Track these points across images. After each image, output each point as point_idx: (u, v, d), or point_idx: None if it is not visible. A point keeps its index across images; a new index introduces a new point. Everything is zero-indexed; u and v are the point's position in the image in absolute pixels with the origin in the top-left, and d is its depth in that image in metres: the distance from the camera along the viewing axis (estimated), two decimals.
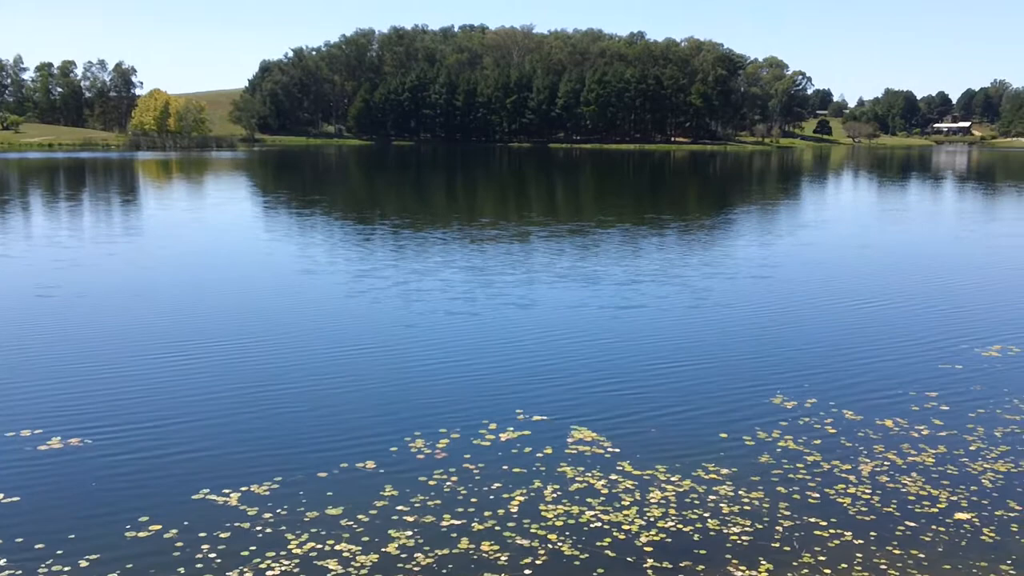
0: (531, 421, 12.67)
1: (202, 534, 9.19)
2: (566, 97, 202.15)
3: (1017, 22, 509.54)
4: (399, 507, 9.83)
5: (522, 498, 10.09)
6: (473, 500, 10.03)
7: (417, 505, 9.89)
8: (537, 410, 13.12)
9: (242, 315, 19.81)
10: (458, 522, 9.49)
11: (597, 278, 24.57)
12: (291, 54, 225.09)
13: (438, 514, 9.66)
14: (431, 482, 10.51)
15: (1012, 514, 9.80)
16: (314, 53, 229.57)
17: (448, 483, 10.49)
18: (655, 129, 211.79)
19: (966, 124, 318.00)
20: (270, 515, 9.63)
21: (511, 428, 12.36)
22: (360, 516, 9.62)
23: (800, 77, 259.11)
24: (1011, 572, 8.55)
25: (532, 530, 9.32)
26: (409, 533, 9.23)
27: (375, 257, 28.31)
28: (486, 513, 9.70)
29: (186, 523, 9.43)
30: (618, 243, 32.72)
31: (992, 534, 9.33)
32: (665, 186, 76.33)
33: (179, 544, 8.99)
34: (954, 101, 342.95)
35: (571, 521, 9.56)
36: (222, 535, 9.17)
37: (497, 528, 9.37)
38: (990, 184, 79.69)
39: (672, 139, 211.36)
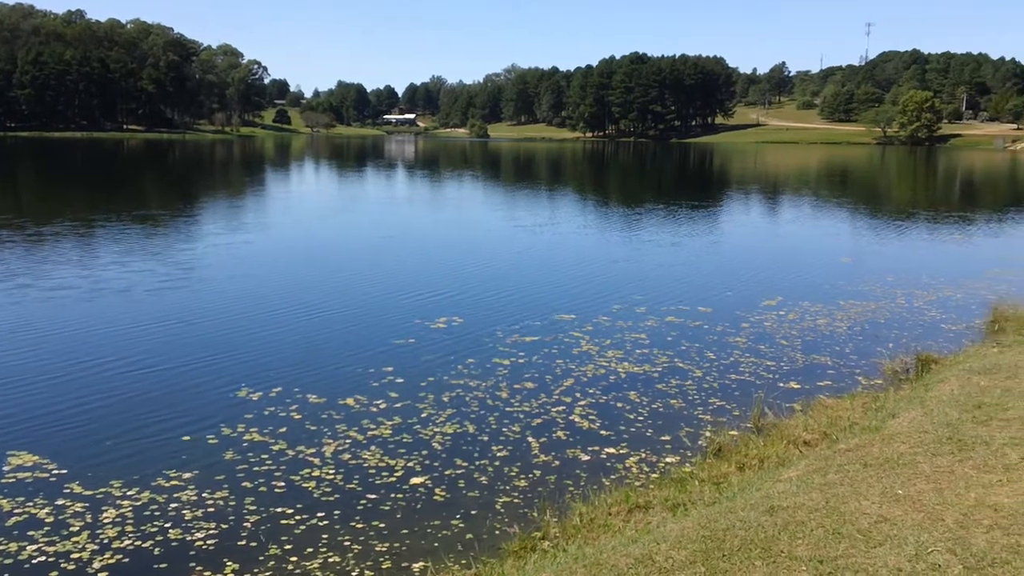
0: None
1: None
2: None
3: (448, 27, 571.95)
4: None
5: None
6: None
7: None
8: None
9: None
10: None
11: (41, 286, 22.01)
12: None
13: None
14: None
15: (459, 471, 10.75)
16: None
17: None
18: (104, 116, 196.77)
19: (412, 116, 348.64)
20: None
21: None
22: None
23: (256, 66, 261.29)
24: (460, 525, 9.35)
25: None
26: None
27: None
28: None
29: None
30: (69, 247, 29.73)
31: (443, 492, 10.13)
32: (122, 179, 71.25)
33: None
34: (400, 94, 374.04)
35: (9, 561, 8.31)
36: None
37: None
38: (436, 171, 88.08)
39: (124, 126, 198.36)
